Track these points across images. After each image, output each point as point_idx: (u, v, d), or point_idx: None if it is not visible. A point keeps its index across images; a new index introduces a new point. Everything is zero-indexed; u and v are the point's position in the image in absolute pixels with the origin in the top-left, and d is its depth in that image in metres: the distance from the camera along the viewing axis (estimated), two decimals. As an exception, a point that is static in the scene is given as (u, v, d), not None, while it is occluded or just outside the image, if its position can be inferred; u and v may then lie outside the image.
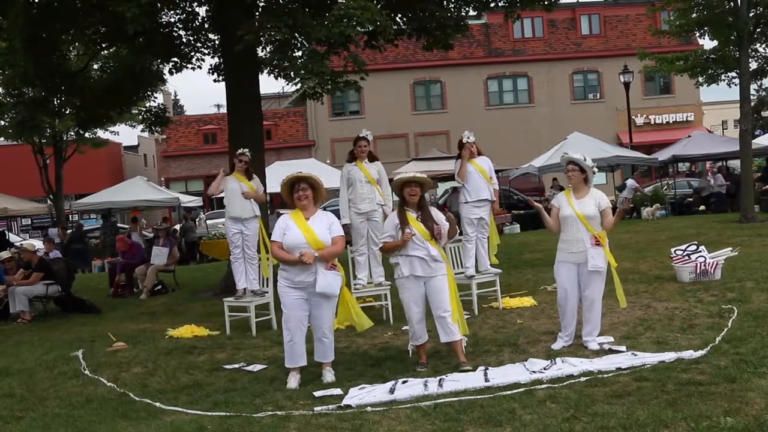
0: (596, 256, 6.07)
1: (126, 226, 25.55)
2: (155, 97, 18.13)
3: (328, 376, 5.79)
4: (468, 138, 8.32)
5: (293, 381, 5.72)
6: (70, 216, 26.69)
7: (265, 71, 12.34)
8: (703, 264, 8.64)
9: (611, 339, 6.29)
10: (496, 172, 9.32)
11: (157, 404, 5.47)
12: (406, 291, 5.95)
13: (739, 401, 4.41)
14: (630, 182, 22.55)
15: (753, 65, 16.99)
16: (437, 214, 6.04)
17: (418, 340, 6.02)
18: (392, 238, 5.92)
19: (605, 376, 5.18)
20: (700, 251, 8.80)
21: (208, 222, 24.30)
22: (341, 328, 7.17)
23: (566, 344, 6.24)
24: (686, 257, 8.79)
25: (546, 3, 12.34)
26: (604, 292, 6.31)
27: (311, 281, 5.65)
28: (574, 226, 6.10)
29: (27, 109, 17.76)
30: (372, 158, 8.25)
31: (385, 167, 8.51)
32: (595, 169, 6.23)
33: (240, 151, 8.82)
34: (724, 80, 17.50)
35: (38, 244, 15.26)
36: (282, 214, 6.11)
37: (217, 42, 13.04)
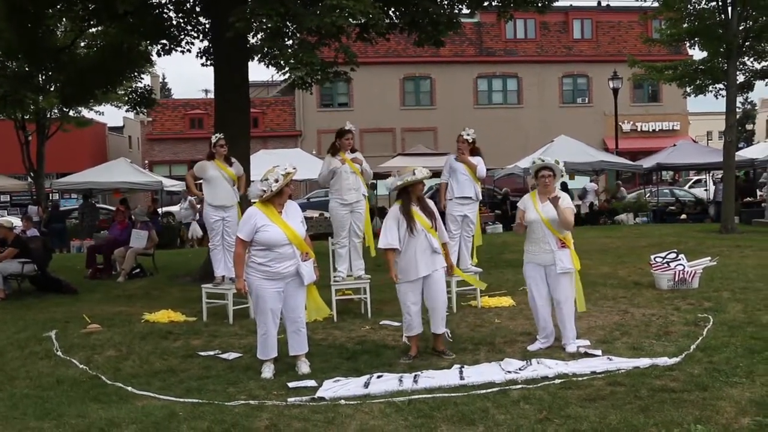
0: (564, 258, 6.13)
1: (110, 207, 25.37)
2: (141, 78, 17.94)
3: (304, 367, 5.77)
4: (467, 135, 8.34)
5: (268, 371, 5.69)
6: (51, 195, 26.36)
7: (255, 59, 12.24)
8: (681, 272, 8.71)
9: (587, 342, 6.31)
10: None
11: (129, 388, 5.43)
12: (406, 286, 6.04)
13: (711, 409, 4.45)
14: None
15: (740, 78, 17.13)
16: (431, 204, 6.19)
17: (412, 331, 6.08)
18: (397, 235, 5.97)
19: (580, 379, 5.21)
20: (680, 259, 8.86)
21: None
22: (318, 320, 7.18)
23: (543, 346, 6.27)
24: (665, 265, 8.85)
25: (539, 5, 12.34)
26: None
27: (290, 272, 5.65)
28: (540, 231, 6.17)
29: (10, 83, 17.45)
30: (352, 150, 8.25)
31: (371, 161, 8.50)
32: (564, 173, 6.29)
33: (216, 138, 8.71)
34: (711, 91, 17.64)
35: (16, 221, 15.06)
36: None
37: (207, 26, 12.91)
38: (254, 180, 12.94)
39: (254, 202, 5.82)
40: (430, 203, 6.22)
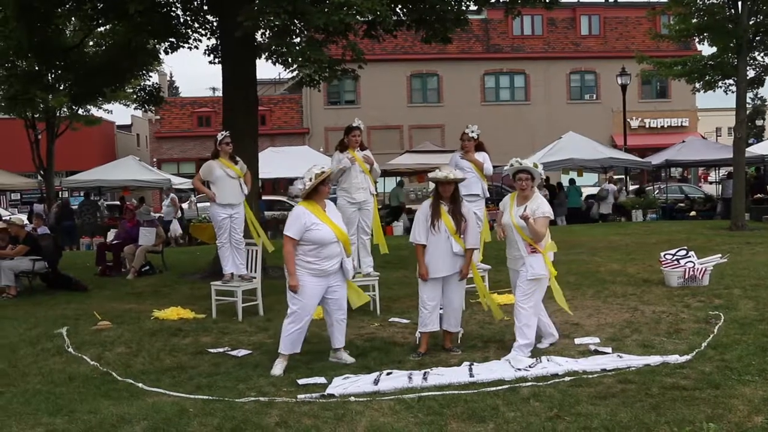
0: (535, 264, 5.96)
1: (115, 203, 25.52)
2: (150, 76, 17.99)
3: (349, 357, 5.96)
4: (471, 132, 8.30)
5: (280, 368, 5.72)
6: (60, 192, 26.51)
7: (263, 56, 12.25)
8: (691, 269, 8.66)
9: (597, 340, 6.30)
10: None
11: (140, 385, 5.46)
12: (427, 282, 6.07)
13: (722, 407, 4.43)
14: (611, 187, 22.57)
15: (750, 73, 17.00)
16: (468, 211, 6.19)
17: (425, 327, 6.08)
18: (425, 231, 6.02)
19: (590, 376, 5.20)
20: (690, 256, 8.81)
21: (199, 205, 24.21)
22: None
23: (550, 342, 6.25)
24: (675, 262, 8.80)
25: (547, 1, 12.28)
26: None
27: (335, 269, 5.82)
28: (512, 234, 6.07)
29: (20, 82, 17.55)
30: (362, 147, 8.23)
31: (378, 158, 8.48)
32: (543, 175, 6.25)
33: (222, 136, 8.71)
34: (720, 87, 17.50)
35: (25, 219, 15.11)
36: None
37: (215, 24, 12.93)
38: (262, 178, 12.97)
39: (298, 202, 5.97)
40: (466, 207, 6.17)
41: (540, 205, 5.97)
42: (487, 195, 8.61)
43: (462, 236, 6.05)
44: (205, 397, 5.06)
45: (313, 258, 5.73)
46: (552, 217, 6.10)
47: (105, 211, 24.03)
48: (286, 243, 5.76)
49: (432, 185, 6.30)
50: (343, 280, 5.96)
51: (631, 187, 26.34)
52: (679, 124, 37.64)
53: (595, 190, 24.56)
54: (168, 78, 46.34)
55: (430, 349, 6.16)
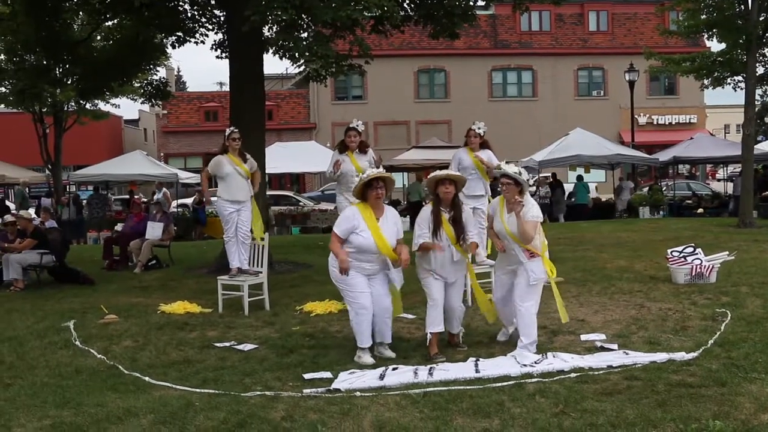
0: (536, 268, 5.85)
1: (125, 197, 25.62)
2: (157, 71, 18.05)
3: (390, 352, 5.97)
4: (478, 128, 8.26)
5: (368, 356, 5.80)
6: (68, 187, 26.61)
7: (270, 51, 12.25)
8: (698, 266, 8.63)
9: (603, 336, 6.29)
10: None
11: (146, 378, 5.48)
12: (433, 281, 6.05)
13: (729, 405, 4.41)
14: (625, 183, 22.50)
15: (760, 70, 16.89)
16: (467, 216, 6.11)
17: (436, 327, 6.02)
18: (426, 237, 5.96)
19: (596, 373, 5.19)
20: (697, 253, 8.77)
21: (206, 199, 24.32)
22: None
23: (505, 336, 6.33)
24: (682, 259, 8.77)
25: (556, -4, 12.25)
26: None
27: (375, 270, 5.91)
28: (505, 240, 5.97)
29: (28, 76, 17.64)
30: (363, 148, 8.19)
31: (385, 154, 8.45)
32: (531, 182, 6.13)
33: (230, 131, 8.73)
34: (729, 84, 17.41)
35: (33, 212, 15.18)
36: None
37: (222, 18, 12.93)
38: (270, 173, 12.90)
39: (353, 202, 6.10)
40: (466, 212, 6.10)
41: (529, 209, 5.84)
42: (490, 193, 8.57)
43: (461, 243, 5.98)
44: (211, 391, 5.07)
45: (354, 260, 5.83)
46: (540, 220, 5.95)
47: (113, 205, 24.12)
48: (333, 240, 5.88)
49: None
50: (384, 282, 5.99)
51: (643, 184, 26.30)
52: (687, 121, 37.50)
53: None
54: (175, 73, 46.40)
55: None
